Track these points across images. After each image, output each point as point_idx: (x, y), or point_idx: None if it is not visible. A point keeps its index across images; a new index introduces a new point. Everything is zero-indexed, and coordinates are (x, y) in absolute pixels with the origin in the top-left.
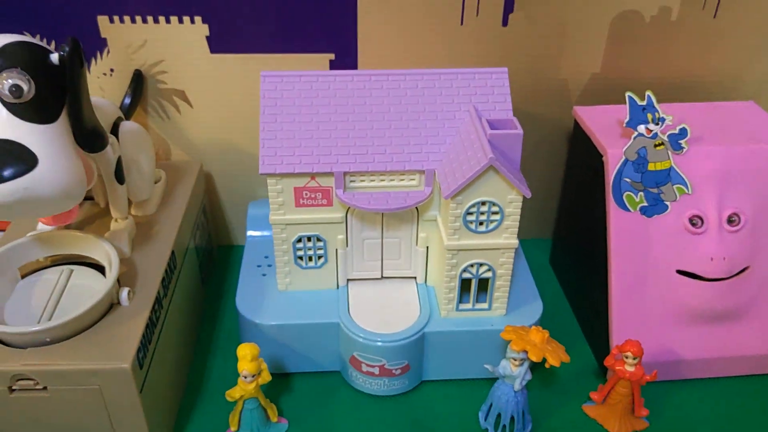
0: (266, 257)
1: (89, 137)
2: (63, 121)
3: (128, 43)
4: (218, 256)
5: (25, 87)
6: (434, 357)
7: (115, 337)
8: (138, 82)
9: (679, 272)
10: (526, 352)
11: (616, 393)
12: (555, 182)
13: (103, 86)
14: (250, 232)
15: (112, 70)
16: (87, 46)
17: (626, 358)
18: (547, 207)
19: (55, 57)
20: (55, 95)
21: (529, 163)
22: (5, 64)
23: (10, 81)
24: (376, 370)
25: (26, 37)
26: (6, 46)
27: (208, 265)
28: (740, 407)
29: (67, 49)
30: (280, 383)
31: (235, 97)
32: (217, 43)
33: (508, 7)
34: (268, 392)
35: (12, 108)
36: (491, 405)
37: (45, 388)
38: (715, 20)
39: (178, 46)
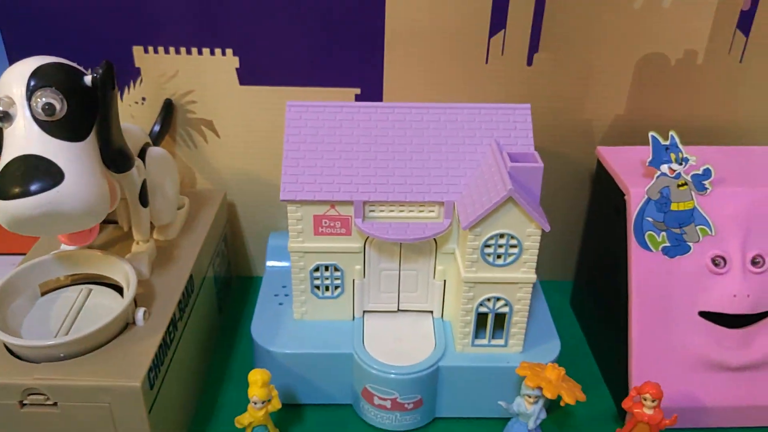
0: (284, 287)
1: (116, 158)
2: (92, 140)
3: (161, 73)
4: (237, 286)
5: (57, 106)
6: (448, 392)
7: (128, 356)
8: (168, 110)
9: (702, 315)
10: (541, 389)
11: None
12: (577, 224)
13: (135, 114)
14: (269, 263)
15: (144, 99)
16: (121, 74)
17: (645, 400)
18: (569, 248)
19: (88, 79)
20: (85, 115)
21: (552, 204)
22: (40, 83)
23: (43, 99)
24: (388, 404)
25: (61, 59)
26: (42, 66)
27: (226, 293)
28: None
29: (100, 71)
30: (291, 414)
31: (261, 129)
32: (246, 75)
33: (534, 47)
34: (278, 423)
35: (43, 125)
36: None
37: (55, 404)
38: (741, 65)
39: (208, 77)
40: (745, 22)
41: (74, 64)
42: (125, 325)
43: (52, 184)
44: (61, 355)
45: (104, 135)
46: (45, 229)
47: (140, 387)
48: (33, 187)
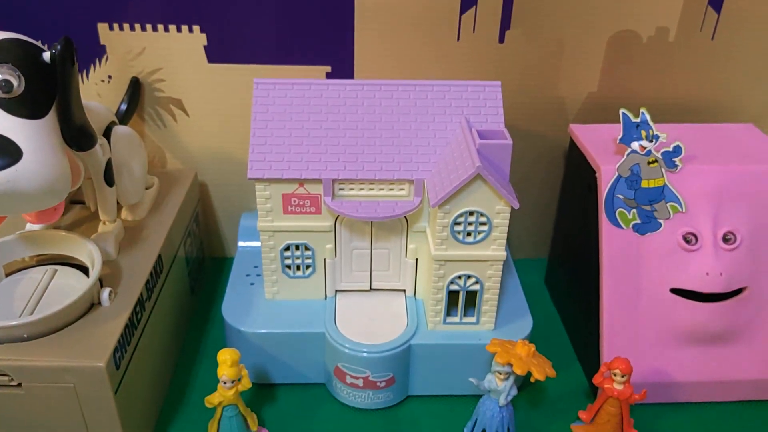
0: (256, 267)
1: (77, 136)
2: (51, 117)
3: (127, 50)
4: (210, 267)
5: (15, 83)
6: (420, 371)
7: (93, 336)
8: (135, 89)
9: (673, 291)
10: (511, 365)
11: (604, 412)
12: (551, 202)
13: (101, 93)
14: (241, 243)
15: (110, 77)
16: (86, 52)
17: (614, 375)
18: (543, 227)
19: (47, 55)
20: (45, 92)
21: (525, 182)
22: None
23: (0, 76)
24: (361, 382)
25: (19, 35)
26: None
27: (199, 274)
28: None
29: (59, 47)
30: (264, 394)
31: (231, 107)
32: (214, 53)
33: (505, 24)
34: (250, 403)
35: (0, 102)
36: (476, 421)
37: (20, 384)
38: (713, 42)
39: (176, 54)
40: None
41: (32, 40)
42: (90, 305)
43: (9, 162)
44: (25, 335)
45: (64, 112)
46: (4, 209)
47: (105, 367)
48: None
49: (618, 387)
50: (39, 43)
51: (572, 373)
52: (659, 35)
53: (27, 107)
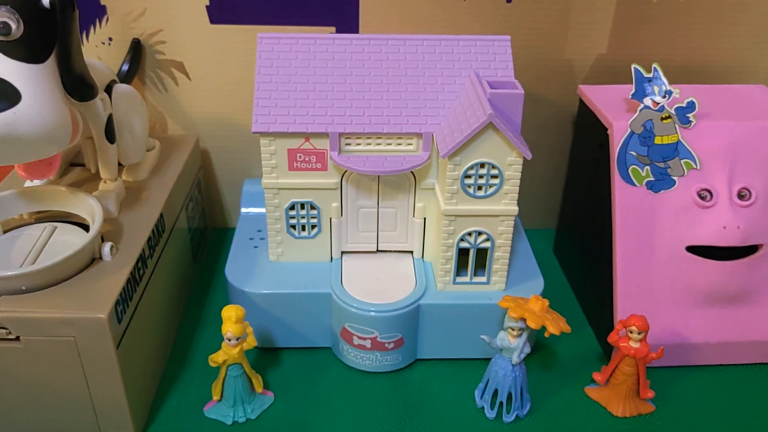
0: (259, 231)
1: (77, 84)
2: (51, 64)
3: (128, 11)
4: (213, 237)
5: (13, 25)
6: (429, 332)
7: (94, 289)
8: (136, 51)
9: (689, 250)
10: (524, 320)
11: (620, 372)
12: (559, 170)
13: (101, 55)
14: (244, 209)
15: (110, 39)
16: (87, 13)
17: (631, 333)
18: (552, 196)
19: (46, 0)
20: (44, 37)
21: (533, 150)
22: None
23: None
24: (368, 343)
25: None
26: None
27: (201, 243)
28: (751, 396)
29: None
30: (268, 357)
31: (233, 70)
32: (217, 13)
33: None
34: (255, 367)
35: None
36: (488, 381)
37: (18, 338)
38: (724, 1)
39: (177, 15)
40: None
41: None
42: (91, 260)
43: (7, 105)
44: (23, 287)
45: (64, 59)
46: (1, 156)
47: (106, 319)
48: None
49: (634, 345)
50: None
51: (584, 337)
52: None
53: (26, 51)
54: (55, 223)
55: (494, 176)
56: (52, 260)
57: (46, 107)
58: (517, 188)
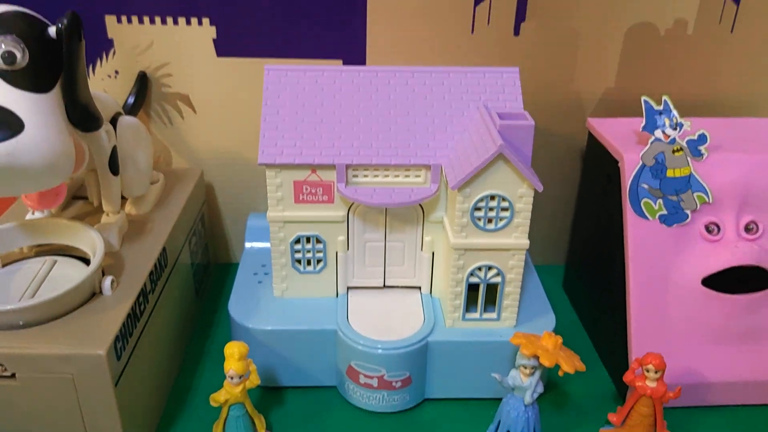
0: (263, 265)
1: (82, 114)
2: (56, 94)
3: (135, 44)
4: (216, 273)
5: (18, 54)
6: (438, 371)
7: (93, 325)
8: (142, 83)
9: (705, 284)
10: (537, 358)
11: (636, 413)
12: (568, 205)
13: (107, 88)
14: (248, 244)
15: (117, 72)
16: (93, 46)
17: (647, 371)
18: (561, 232)
19: (52, 30)
20: (49, 67)
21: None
22: (0, 30)
23: (3, 47)
24: (375, 382)
25: (24, 9)
26: (3, 14)
27: (204, 278)
28: None
29: (65, 21)
30: (272, 397)
31: (240, 103)
32: (224, 46)
33: (520, 16)
34: (257, 406)
35: (3, 74)
36: (499, 422)
37: (14, 375)
38: (732, 35)
39: (184, 48)
40: None
41: (38, 15)
42: (91, 294)
43: (10, 134)
44: (20, 322)
45: (69, 89)
46: (3, 186)
47: (105, 355)
48: None
49: (651, 384)
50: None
51: (597, 376)
52: (677, 28)
53: (30, 80)
54: (56, 257)
55: (504, 209)
56: (51, 294)
57: (49, 137)
58: (528, 221)
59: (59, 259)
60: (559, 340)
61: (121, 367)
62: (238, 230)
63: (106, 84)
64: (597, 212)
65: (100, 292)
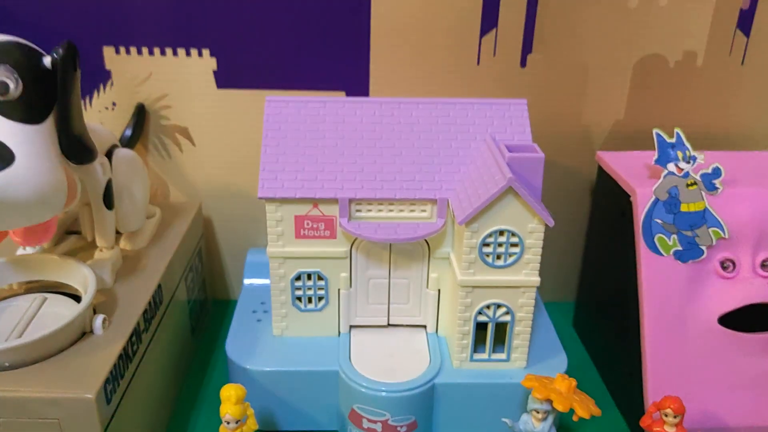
0: (263, 303)
1: (76, 146)
2: (49, 125)
3: (133, 76)
4: (213, 310)
5: (11, 85)
6: (445, 414)
7: (82, 366)
8: (140, 116)
9: (721, 323)
10: (550, 402)
11: None
12: (577, 241)
13: (104, 120)
14: (247, 280)
15: (114, 104)
16: (91, 78)
17: (666, 416)
18: (569, 268)
19: (47, 60)
20: (43, 97)
21: None
22: None
23: None
24: (379, 427)
25: (19, 39)
26: None
27: (201, 316)
28: None
29: (60, 51)
30: None
31: (240, 136)
32: (224, 78)
33: (527, 48)
34: None
35: None
36: None
37: None
38: (743, 67)
39: (183, 79)
40: (745, 22)
41: (33, 45)
42: (81, 333)
43: (0, 166)
44: (6, 364)
45: (63, 120)
46: None
47: (94, 399)
48: None
49: (670, 430)
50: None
51: (610, 418)
52: (686, 60)
53: (23, 111)
54: (47, 294)
55: (514, 244)
56: (38, 334)
57: (41, 169)
58: (539, 257)
59: (49, 296)
60: (573, 383)
61: (111, 411)
62: (236, 266)
63: (103, 116)
64: (608, 248)
65: (91, 331)
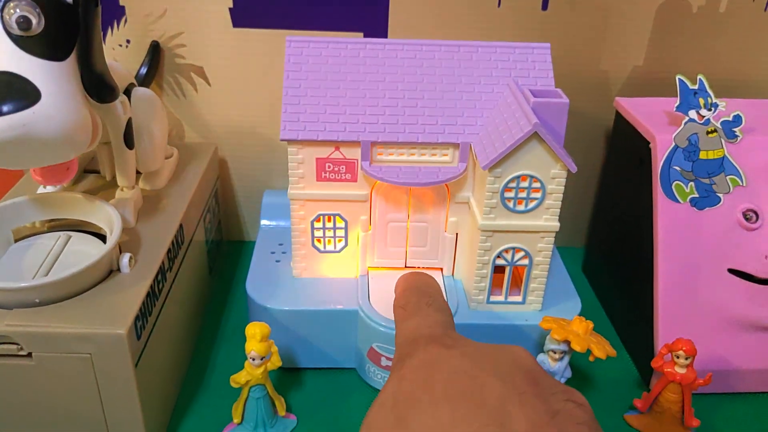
0: (281, 244)
1: (98, 84)
2: (72, 62)
3: (147, 13)
4: (228, 251)
5: (33, 20)
6: None
7: (112, 303)
8: (155, 54)
9: (731, 271)
10: (567, 343)
11: (663, 399)
12: (588, 185)
13: (118, 58)
14: (264, 222)
15: (128, 42)
16: (105, 14)
17: (677, 358)
18: (581, 213)
19: None
20: (65, 33)
21: None
22: None
23: (18, 12)
24: None
25: None
26: None
27: (217, 256)
28: None
29: None
30: (291, 378)
31: (256, 76)
32: (240, 17)
33: None
34: (276, 387)
35: (18, 41)
36: None
37: (30, 354)
38: (766, 13)
39: (199, 17)
40: None
41: None
42: (108, 271)
43: (26, 104)
44: (36, 300)
45: (86, 57)
46: (17, 158)
47: (126, 335)
48: (5, 107)
49: (680, 371)
50: None
51: (620, 361)
52: (710, 5)
53: (46, 47)
54: (70, 232)
55: (536, 189)
56: (70, 271)
57: (66, 107)
58: (560, 203)
59: (73, 234)
60: (590, 325)
61: (141, 346)
62: (251, 207)
63: (117, 54)
64: (624, 194)
65: (118, 269)
